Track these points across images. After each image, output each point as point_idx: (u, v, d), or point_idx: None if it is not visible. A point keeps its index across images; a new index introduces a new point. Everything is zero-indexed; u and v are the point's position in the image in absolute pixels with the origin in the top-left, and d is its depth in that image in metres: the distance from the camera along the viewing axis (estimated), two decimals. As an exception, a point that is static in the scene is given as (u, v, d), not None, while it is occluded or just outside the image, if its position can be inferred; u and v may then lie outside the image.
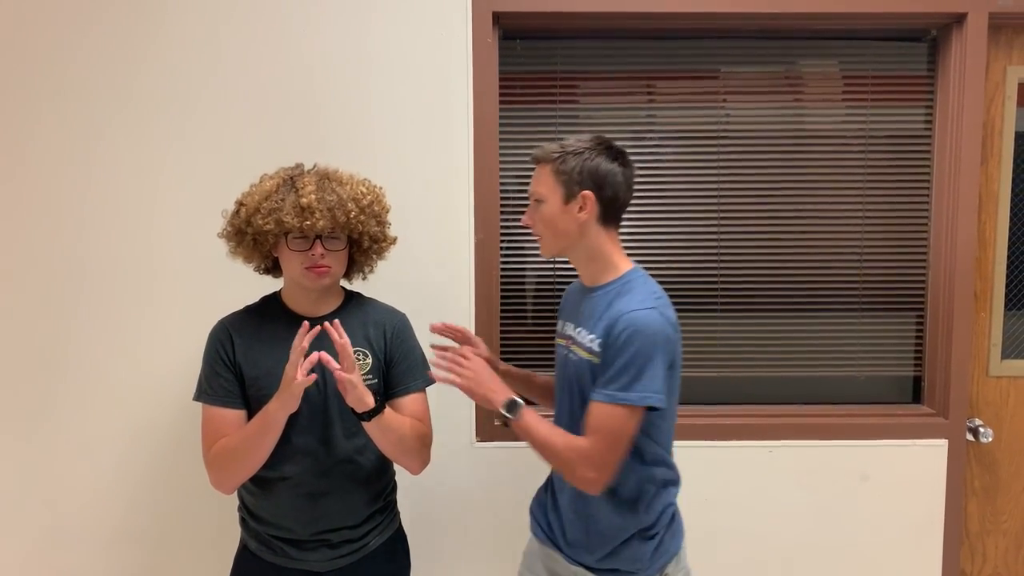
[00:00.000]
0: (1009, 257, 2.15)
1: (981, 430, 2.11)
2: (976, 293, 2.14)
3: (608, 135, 2.08)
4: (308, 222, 1.45)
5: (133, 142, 1.98)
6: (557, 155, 1.49)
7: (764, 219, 2.15)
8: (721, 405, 2.17)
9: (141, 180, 1.99)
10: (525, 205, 2.12)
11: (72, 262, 2.00)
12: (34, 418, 2.03)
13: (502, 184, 2.08)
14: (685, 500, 2.08)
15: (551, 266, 2.14)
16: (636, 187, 2.10)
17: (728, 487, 2.10)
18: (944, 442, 2.09)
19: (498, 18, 2.02)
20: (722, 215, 2.15)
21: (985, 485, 2.20)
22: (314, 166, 1.60)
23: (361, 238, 1.57)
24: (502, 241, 2.10)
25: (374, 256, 1.66)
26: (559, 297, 2.13)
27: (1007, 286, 2.16)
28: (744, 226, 2.15)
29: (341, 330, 1.41)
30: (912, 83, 2.14)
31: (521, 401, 1.47)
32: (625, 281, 1.49)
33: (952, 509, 2.10)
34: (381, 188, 1.63)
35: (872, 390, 2.20)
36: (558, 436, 1.44)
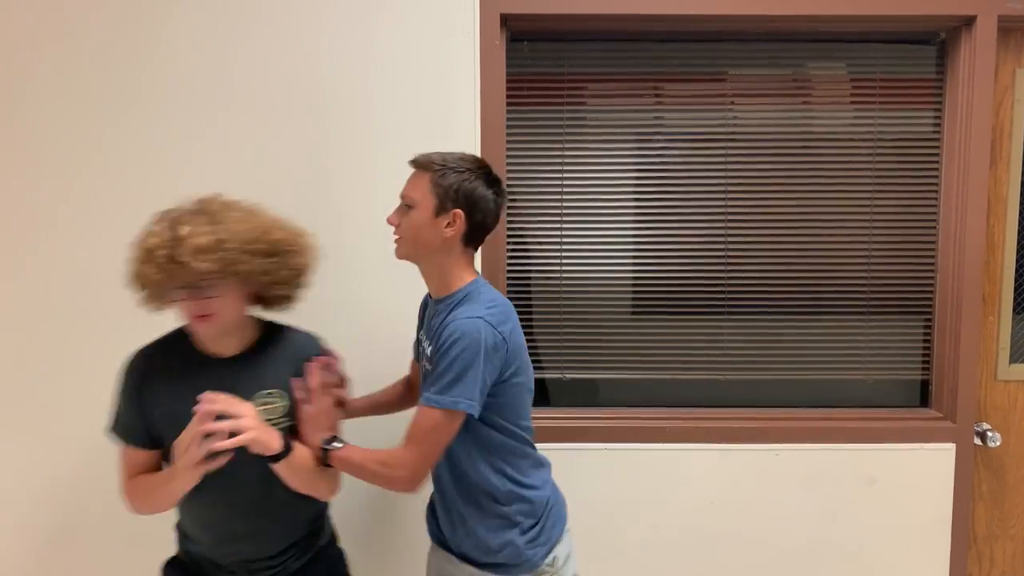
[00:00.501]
0: (1018, 261, 2.14)
1: (989, 434, 2.10)
2: (984, 297, 2.14)
3: (615, 137, 2.12)
4: (159, 276, 1.36)
5: (141, 144, 1.99)
6: (439, 167, 1.50)
7: (771, 222, 2.14)
8: (728, 408, 2.17)
9: (147, 181, 1.99)
10: (532, 208, 2.14)
11: (73, 262, 2.01)
12: (35, 417, 2.04)
13: (509, 186, 2.08)
14: (690, 503, 2.09)
15: (558, 268, 2.14)
16: (642, 188, 2.13)
17: (735, 490, 2.09)
18: (952, 446, 2.08)
19: (506, 20, 2.02)
20: (729, 218, 2.14)
21: (993, 489, 2.19)
22: (198, 203, 1.45)
23: (250, 278, 1.43)
24: (508, 243, 2.10)
25: (284, 289, 1.52)
26: (566, 299, 2.14)
27: (1015, 290, 2.15)
28: (751, 229, 2.15)
29: (207, 402, 1.36)
30: (920, 86, 2.13)
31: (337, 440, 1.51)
32: (465, 293, 1.53)
33: (959, 513, 2.09)
34: (278, 219, 1.51)
35: (880, 394, 2.20)
36: (371, 453, 1.48)
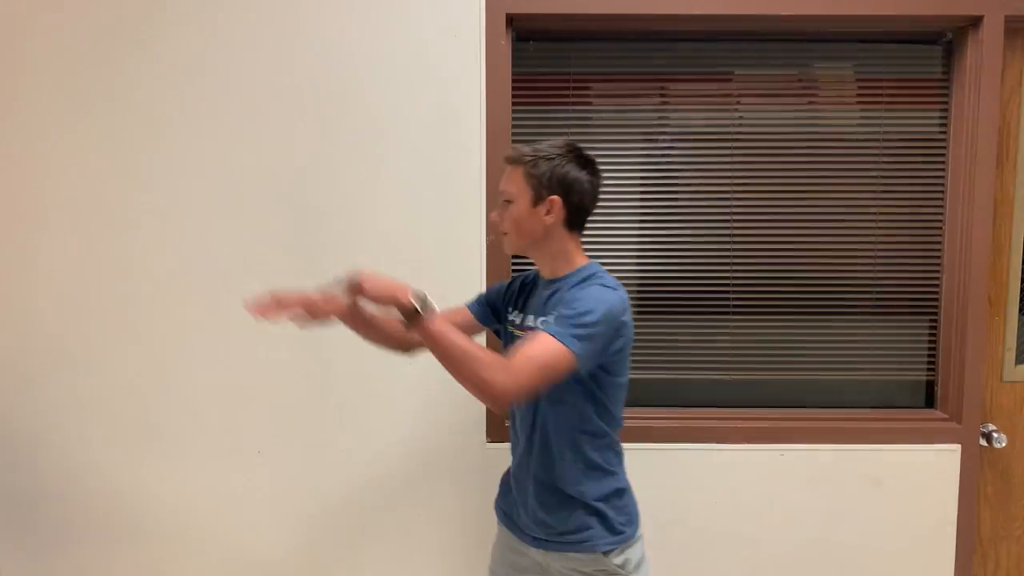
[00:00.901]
0: (1024, 262, 2.14)
1: (994, 435, 2.09)
2: (990, 298, 2.13)
3: (621, 137, 2.12)
4: None
5: (141, 143, 2.00)
6: (529, 159, 1.53)
7: (777, 222, 2.14)
8: (733, 408, 2.16)
9: (155, 181, 2.00)
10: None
11: (71, 260, 2.01)
12: (44, 415, 2.04)
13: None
14: (696, 504, 2.09)
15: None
16: (648, 189, 2.13)
17: (739, 491, 2.09)
18: (957, 447, 2.08)
19: (511, 20, 2.02)
20: (735, 218, 2.14)
21: (998, 491, 2.18)
22: None
23: None
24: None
25: None
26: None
27: (1022, 291, 2.14)
28: (757, 229, 2.14)
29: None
30: (927, 86, 2.12)
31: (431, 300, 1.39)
32: (590, 273, 1.55)
33: (965, 515, 2.09)
34: None
35: (885, 394, 2.19)
36: (473, 343, 1.38)
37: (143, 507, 2.07)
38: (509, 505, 1.70)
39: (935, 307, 2.16)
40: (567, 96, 2.12)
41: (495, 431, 2.06)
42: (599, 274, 1.54)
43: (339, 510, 2.08)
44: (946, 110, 2.12)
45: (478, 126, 2.01)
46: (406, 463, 2.06)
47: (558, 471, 1.55)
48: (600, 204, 2.13)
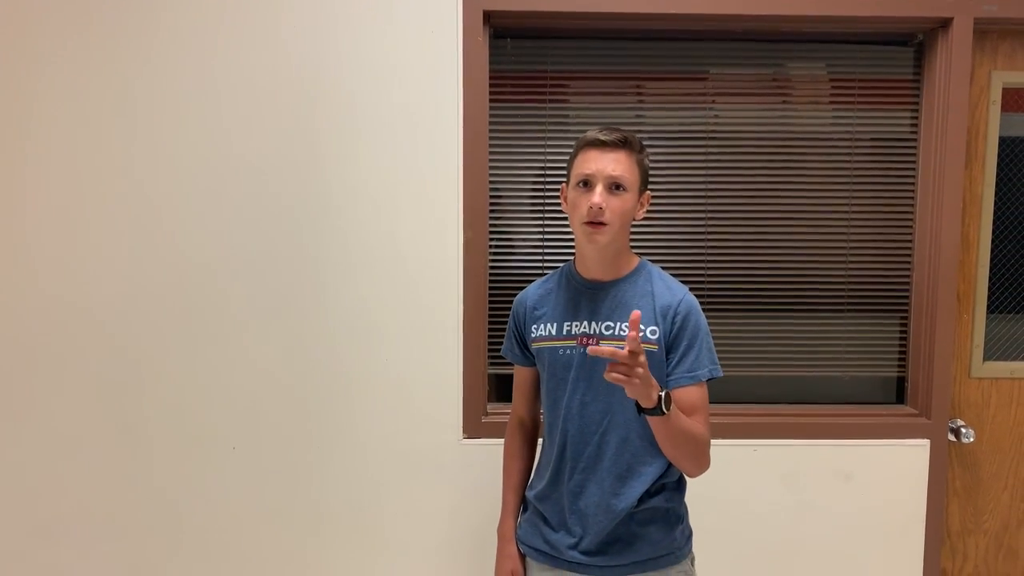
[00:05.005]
0: (992, 260, 2.17)
1: (963, 431, 2.13)
2: (959, 295, 2.17)
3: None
4: None
5: (123, 141, 1.98)
6: (640, 145, 1.46)
7: (751, 220, 2.16)
8: (707, 404, 2.18)
9: (132, 178, 1.99)
10: (514, 204, 2.15)
11: (68, 258, 2.00)
12: (24, 413, 2.02)
13: (491, 183, 2.09)
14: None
15: (539, 266, 2.15)
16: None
17: (711, 486, 2.09)
18: (926, 442, 2.11)
19: (488, 17, 2.02)
20: (709, 216, 2.16)
21: (966, 485, 2.22)
22: None
23: None
24: (491, 241, 2.11)
25: None
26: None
27: (990, 289, 2.18)
28: (731, 227, 2.16)
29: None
30: (898, 87, 2.16)
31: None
32: (648, 271, 1.53)
33: (934, 508, 2.12)
34: None
35: (856, 390, 2.22)
36: (692, 421, 1.42)
37: (120, 502, 2.06)
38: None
39: (905, 304, 2.20)
40: (544, 94, 2.13)
41: (471, 427, 2.07)
42: (659, 274, 1.52)
43: (314, 506, 2.08)
44: (917, 110, 2.15)
45: (455, 123, 2.01)
46: (382, 459, 2.06)
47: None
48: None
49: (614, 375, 1.24)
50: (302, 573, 2.08)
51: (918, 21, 2.07)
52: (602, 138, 1.44)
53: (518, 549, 1.62)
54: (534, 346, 1.59)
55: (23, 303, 2.00)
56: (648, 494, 1.49)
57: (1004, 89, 2.14)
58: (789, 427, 2.11)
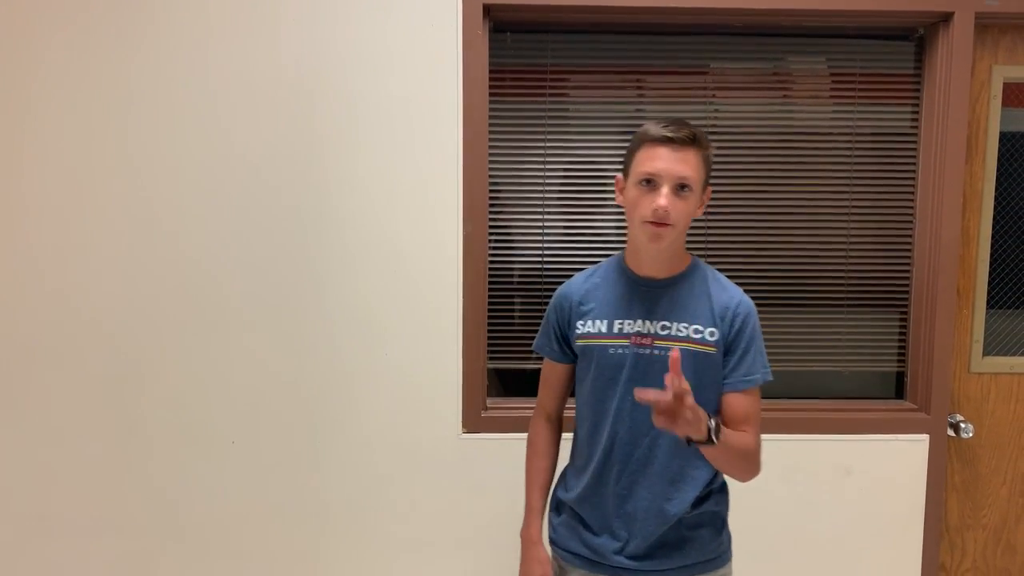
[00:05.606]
0: (992, 255, 2.17)
1: (962, 426, 2.13)
2: (959, 290, 2.17)
3: (597, 129, 2.13)
4: None
5: (121, 139, 1.97)
6: (707, 142, 1.37)
7: (751, 215, 2.16)
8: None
9: (130, 174, 1.98)
10: (514, 198, 2.15)
11: (67, 258, 1.99)
12: (23, 408, 2.02)
13: (491, 177, 2.09)
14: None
15: (539, 260, 2.15)
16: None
17: (712, 480, 2.11)
18: (926, 437, 2.12)
19: (488, 10, 2.02)
20: (709, 210, 2.15)
21: (965, 480, 2.23)
22: None
23: None
24: (490, 235, 2.11)
25: None
26: (547, 291, 2.14)
27: (990, 284, 2.18)
28: (731, 222, 2.16)
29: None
30: (899, 81, 2.15)
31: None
32: (703, 270, 1.48)
33: (933, 503, 2.13)
34: None
35: (856, 385, 2.22)
36: (743, 436, 1.40)
37: (120, 496, 2.06)
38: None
39: (905, 299, 2.20)
40: (544, 88, 2.13)
41: (471, 422, 2.07)
42: (712, 273, 1.48)
43: (313, 500, 2.08)
44: (917, 105, 2.15)
45: (455, 117, 2.00)
46: (381, 453, 2.06)
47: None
48: (577, 197, 2.15)
49: (660, 421, 1.20)
50: (302, 567, 2.09)
51: (919, 15, 2.06)
52: (669, 135, 1.34)
53: (549, 553, 1.57)
54: (579, 343, 1.50)
55: (22, 299, 2.00)
56: (699, 499, 1.46)
57: (1005, 84, 2.13)
58: (789, 422, 2.11)
